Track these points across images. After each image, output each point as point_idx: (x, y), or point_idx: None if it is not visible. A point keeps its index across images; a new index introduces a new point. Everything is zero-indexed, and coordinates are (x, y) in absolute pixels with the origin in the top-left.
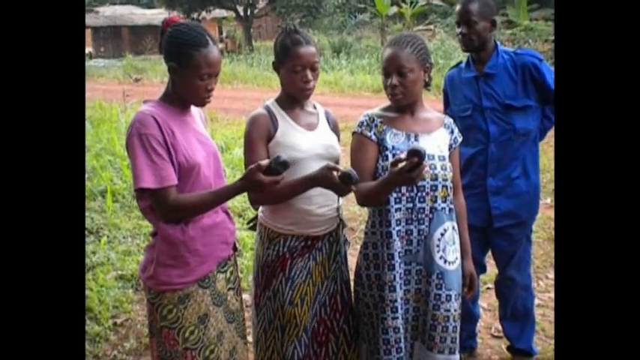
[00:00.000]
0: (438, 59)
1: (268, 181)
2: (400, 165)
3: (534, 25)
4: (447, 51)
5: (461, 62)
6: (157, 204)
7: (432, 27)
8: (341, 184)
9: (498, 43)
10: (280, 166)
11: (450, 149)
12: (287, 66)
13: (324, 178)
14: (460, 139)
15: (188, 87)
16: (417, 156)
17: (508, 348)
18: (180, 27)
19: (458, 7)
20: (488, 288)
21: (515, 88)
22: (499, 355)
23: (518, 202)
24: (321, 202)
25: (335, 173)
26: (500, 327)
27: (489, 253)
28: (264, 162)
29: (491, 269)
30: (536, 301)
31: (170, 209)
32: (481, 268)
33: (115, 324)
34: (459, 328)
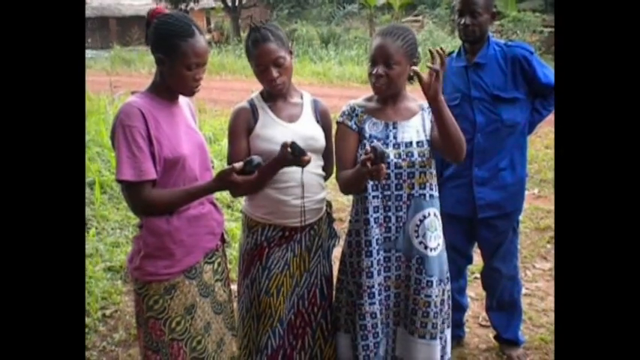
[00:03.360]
0: (427, 50)
1: (242, 181)
2: (361, 158)
3: (522, 16)
4: (435, 42)
5: (452, 52)
6: (129, 197)
7: (420, 18)
8: (294, 157)
9: (490, 34)
10: (254, 168)
11: (432, 129)
12: (253, 66)
13: (281, 155)
14: None
15: (176, 77)
16: (373, 153)
17: (495, 337)
18: (166, 18)
19: None
20: (475, 277)
21: (505, 80)
22: (486, 344)
23: (504, 193)
24: (298, 193)
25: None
26: (487, 316)
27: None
28: (238, 165)
29: (478, 258)
30: (524, 291)
31: (141, 204)
32: (467, 259)
33: (103, 315)
34: (442, 314)
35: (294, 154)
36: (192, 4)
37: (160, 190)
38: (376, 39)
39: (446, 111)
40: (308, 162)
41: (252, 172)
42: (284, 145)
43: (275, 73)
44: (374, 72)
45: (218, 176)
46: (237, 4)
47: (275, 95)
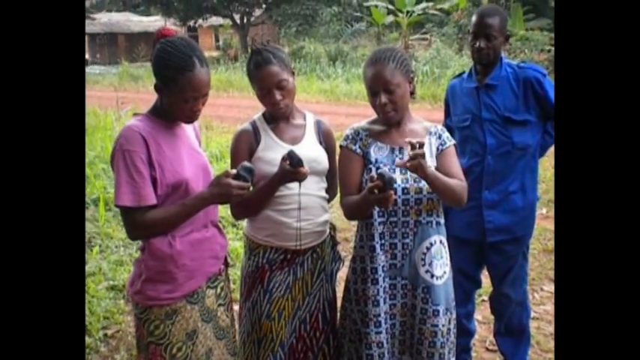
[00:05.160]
0: (434, 68)
1: (236, 185)
2: (368, 185)
3: (530, 35)
4: (442, 60)
5: (463, 72)
6: (127, 222)
7: (428, 36)
8: (291, 169)
9: (503, 55)
10: (245, 172)
11: (437, 151)
12: (255, 90)
13: (280, 169)
14: (450, 142)
15: (172, 107)
16: (381, 180)
17: None
18: (168, 45)
19: (475, 19)
20: (483, 300)
21: (516, 102)
22: None
23: (514, 217)
24: (298, 215)
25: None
26: (495, 340)
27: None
28: (232, 170)
29: (487, 282)
30: (531, 314)
31: (138, 229)
32: (476, 284)
33: (105, 335)
34: (448, 344)
35: (291, 164)
36: (200, 21)
37: (153, 210)
38: (368, 69)
39: (437, 181)
40: (305, 176)
41: (246, 179)
42: (283, 158)
43: (278, 96)
44: (377, 103)
45: (212, 181)
46: (245, 21)
47: (278, 117)
